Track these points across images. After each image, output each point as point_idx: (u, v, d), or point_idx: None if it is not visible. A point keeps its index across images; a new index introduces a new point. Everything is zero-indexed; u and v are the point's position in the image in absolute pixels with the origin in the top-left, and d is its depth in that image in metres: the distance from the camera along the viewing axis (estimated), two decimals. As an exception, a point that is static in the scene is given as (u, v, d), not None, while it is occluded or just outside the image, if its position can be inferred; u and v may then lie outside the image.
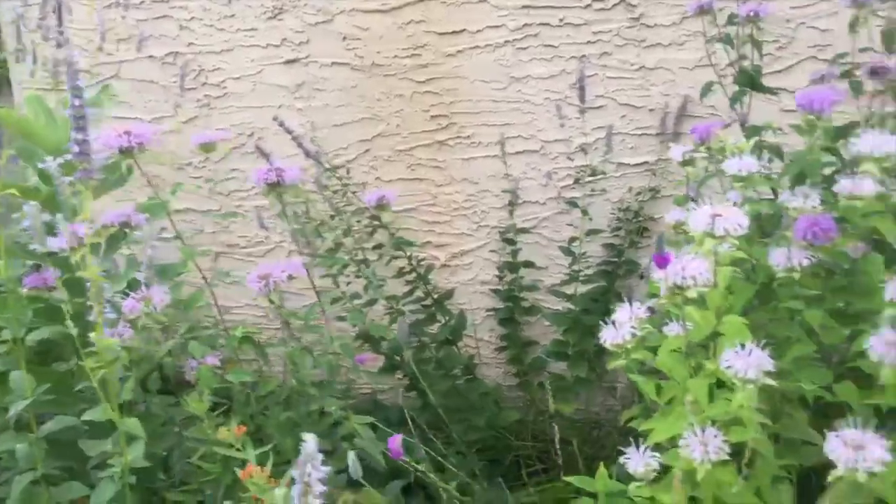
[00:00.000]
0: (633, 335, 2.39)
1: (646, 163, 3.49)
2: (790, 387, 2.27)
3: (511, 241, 3.65)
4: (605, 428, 3.56)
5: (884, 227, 2.33)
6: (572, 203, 3.55)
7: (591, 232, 3.56)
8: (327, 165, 3.35)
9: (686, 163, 2.83)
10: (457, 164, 3.67)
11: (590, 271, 3.57)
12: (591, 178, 3.59)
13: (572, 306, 3.47)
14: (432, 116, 3.61)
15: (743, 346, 1.95)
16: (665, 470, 2.12)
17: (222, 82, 3.73)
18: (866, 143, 2.27)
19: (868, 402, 2.04)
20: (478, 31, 3.47)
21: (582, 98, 3.50)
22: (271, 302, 2.86)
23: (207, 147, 3.19)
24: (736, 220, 2.15)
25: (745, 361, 2.04)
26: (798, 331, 2.54)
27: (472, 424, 3.38)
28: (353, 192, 3.42)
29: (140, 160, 2.79)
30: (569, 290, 3.54)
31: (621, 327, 2.39)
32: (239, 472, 2.14)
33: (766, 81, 3.27)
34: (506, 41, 3.49)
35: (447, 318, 3.58)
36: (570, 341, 3.40)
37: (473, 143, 3.63)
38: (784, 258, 2.52)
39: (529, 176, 3.65)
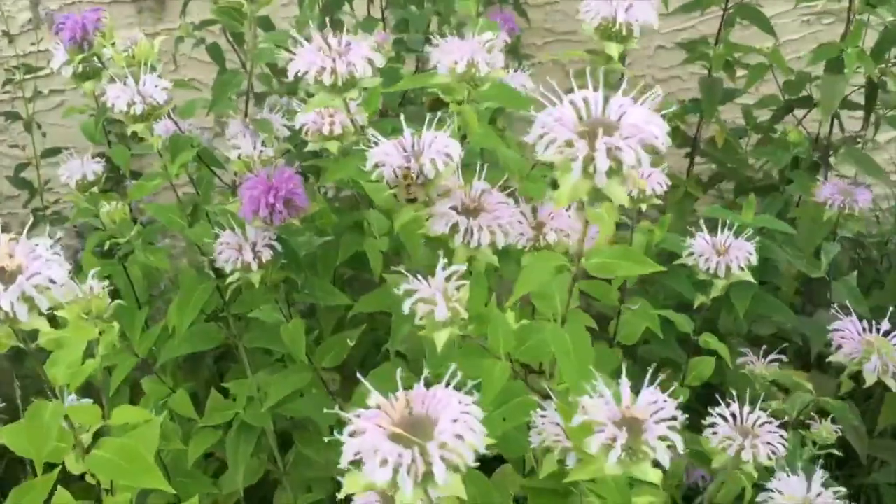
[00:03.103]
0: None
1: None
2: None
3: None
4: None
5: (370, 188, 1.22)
6: (12, 114, 2.17)
7: (50, 152, 2.24)
8: None
9: (83, 76, 1.54)
10: None
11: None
12: (30, 76, 2.24)
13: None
14: None
15: None
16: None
17: None
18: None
19: None
20: None
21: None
22: None
23: None
24: None
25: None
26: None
27: None
28: None
29: None
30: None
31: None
32: None
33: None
34: None
35: None
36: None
37: None
38: (234, 252, 1.37)
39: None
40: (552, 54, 2.63)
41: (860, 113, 2.21)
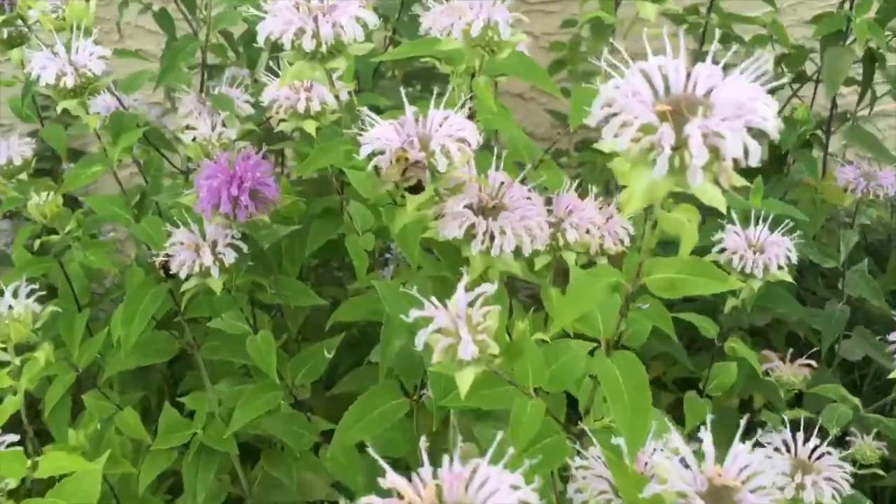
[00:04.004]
0: None
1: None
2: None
3: None
4: None
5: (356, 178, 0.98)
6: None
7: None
8: None
9: (7, 43, 1.27)
10: None
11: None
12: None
13: None
14: None
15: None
16: None
17: None
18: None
19: None
20: None
21: None
22: None
23: None
24: None
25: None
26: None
27: None
28: None
29: None
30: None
31: None
32: None
33: None
34: None
35: None
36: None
37: None
38: (190, 254, 1.12)
39: None
40: (524, 27, 2.39)
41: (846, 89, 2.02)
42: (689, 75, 0.62)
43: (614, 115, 0.60)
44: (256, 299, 1.35)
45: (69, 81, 1.06)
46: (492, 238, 0.81)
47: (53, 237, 1.24)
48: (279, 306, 1.52)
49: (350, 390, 1.54)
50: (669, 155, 0.57)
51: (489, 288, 0.69)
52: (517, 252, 0.84)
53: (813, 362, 1.32)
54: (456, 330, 0.68)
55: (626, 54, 0.65)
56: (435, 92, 0.83)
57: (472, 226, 0.81)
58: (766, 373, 1.33)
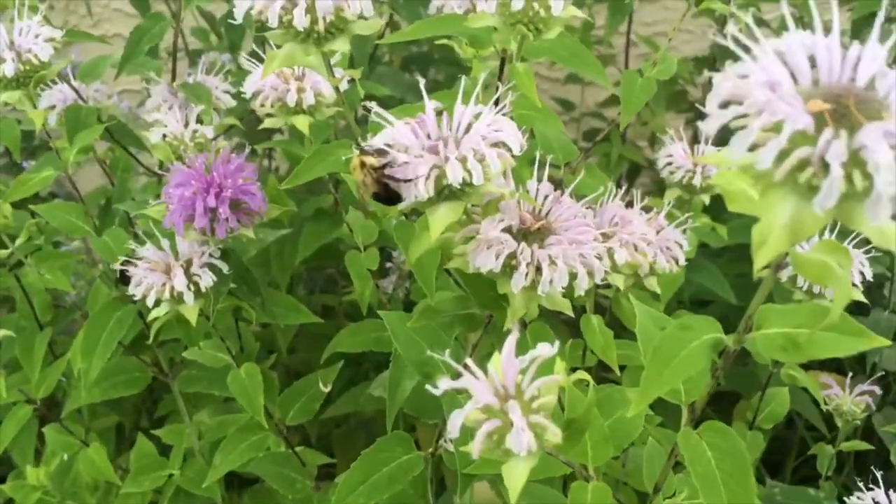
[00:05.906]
0: None
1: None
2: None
3: None
4: None
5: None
6: None
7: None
8: None
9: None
10: None
11: None
12: None
13: None
14: None
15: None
16: None
17: None
18: None
19: None
20: None
21: None
22: None
23: None
24: None
25: None
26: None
27: None
28: None
29: None
30: None
31: None
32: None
33: None
34: None
35: None
36: None
37: None
38: (158, 276, 0.92)
39: None
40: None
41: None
42: (845, 58, 0.42)
43: (745, 116, 0.40)
44: (238, 315, 1.15)
45: (9, 69, 0.85)
46: (538, 270, 0.61)
47: (3, 251, 1.03)
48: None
49: (345, 412, 1.36)
50: (840, 177, 0.37)
51: (546, 351, 0.49)
52: (568, 287, 0.64)
53: (876, 388, 1.13)
54: (503, 410, 0.48)
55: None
56: (462, 80, 0.63)
57: (512, 254, 0.62)
58: (825, 401, 1.14)
